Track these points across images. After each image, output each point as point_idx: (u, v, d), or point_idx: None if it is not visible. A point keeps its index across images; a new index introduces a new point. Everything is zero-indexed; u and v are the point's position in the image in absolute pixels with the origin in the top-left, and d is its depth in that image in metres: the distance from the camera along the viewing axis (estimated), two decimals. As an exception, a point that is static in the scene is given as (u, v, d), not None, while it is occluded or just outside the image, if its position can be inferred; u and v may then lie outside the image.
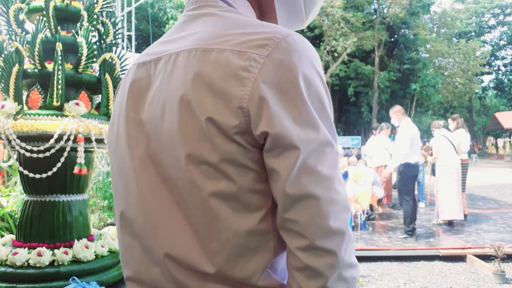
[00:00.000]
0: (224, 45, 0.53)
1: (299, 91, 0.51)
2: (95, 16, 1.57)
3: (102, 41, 1.59)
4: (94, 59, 1.52)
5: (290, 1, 0.65)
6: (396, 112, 4.88)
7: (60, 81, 1.40)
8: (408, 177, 4.55)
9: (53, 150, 1.38)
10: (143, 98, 0.60)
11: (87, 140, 1.43)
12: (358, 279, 0.57)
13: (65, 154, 1.39)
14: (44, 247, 1.39)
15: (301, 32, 17.03)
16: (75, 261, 1.41)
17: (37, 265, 1.35)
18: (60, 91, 1.40)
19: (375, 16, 18.43)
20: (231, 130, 0.51)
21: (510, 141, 22.24)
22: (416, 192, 5.66)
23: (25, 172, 1.40)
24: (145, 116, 0.59)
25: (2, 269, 1.35)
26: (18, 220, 1.52)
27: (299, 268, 0.52)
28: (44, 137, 1.38)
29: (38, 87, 1.43)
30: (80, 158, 1.39)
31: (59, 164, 1.40)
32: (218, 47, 0.53)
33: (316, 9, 0.69)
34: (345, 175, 4.92)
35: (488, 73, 29.87)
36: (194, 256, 0.54)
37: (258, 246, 0.54)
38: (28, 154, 1.37)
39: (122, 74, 1.60)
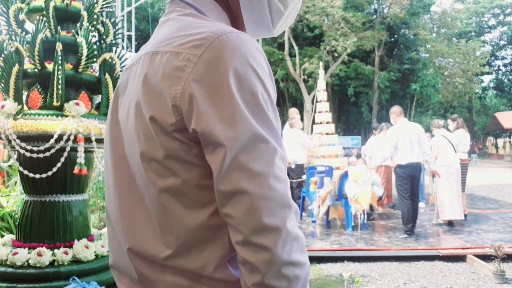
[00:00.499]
0: (167, 47, 0.56)
1: (228, 88, 0.52)
2: (95, 16, 1.57)
3: (102, 41, 1.59)
4: (94, 59, 1.52)
5: (255, 10, 0.67)
6: (391, 113, 4.90)
7: (60, 81, 1.40)
8: (401, 177, 4.57)
9: (53, 150, 1.38)
10: (121, 100, 0.65)
11: (87, 140, 1.43)
12: (308, 279, 0.58)
13: (65, 154, 1.39)
14: (44, 247, 1.39)
15: (301, 32, 17.02)
16: (75, 261, 1.41)
17: (37, 265, 1.35)
18: (60, 91, 1.40)
19: (375, 16, 18.42)
20: (169, 127, 0.53)
21: (510, 141, 22.24)
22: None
23: (25, 172, 1.40)
24: (121, 116, 0.64)
25: (2, 269, 1.35)
26: (18, 220, 1.52)
27: (240, 262, 0.53)
28: (44, 137, 1.38)
29: (38, 87, 1.43)
30: (80, 158, 1.39)
31: (59, 164, 1.40)
32: (163, 50, 0.56)
33: (286, 20, 0.71)
34: (345, 175, 4.92)
35: (488, 73, 29.87)
36: (152, 248, 0.57)
37: (211, 239, 0.56)
38: (28, 154, 1.37)
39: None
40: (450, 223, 5.12)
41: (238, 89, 0.52)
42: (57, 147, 1.37)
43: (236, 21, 0.69)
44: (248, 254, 0.51)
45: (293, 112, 6.34)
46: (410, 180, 4.60)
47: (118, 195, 0.64)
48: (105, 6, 1.60)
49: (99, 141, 1.47)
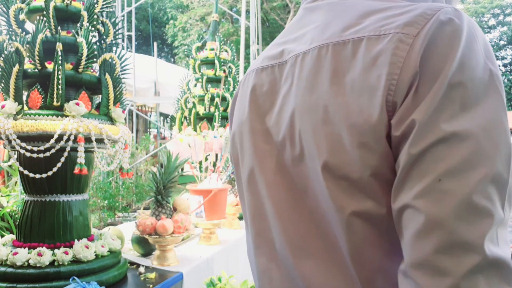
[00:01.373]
0: (358, 34, 0.45)
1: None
2: (95, 16, 1.57)
3: (102, 41, 1.59)
4: (94, 59, 1.52)
5: None
6: None
7: (60, 81, 1.40)
8: None
9: (53, 150, 1.38)
10: (270, 106, 0.55)
11: (87, 140, 1.43)
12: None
13: (65, 154, 1.39)
14: (44, 247, 1.39)
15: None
16: (75, 261, 1.41)
17: (37, 265, 1.35)
18: (60, 91, 1.40)
19: (374, 16, 18.45)
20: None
21: (508, 141, 22.27)
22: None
23: (25, 172, 1.40)
24: (272, 126, 0.54)
25: (2, 269, 1.35)
26: (18, 220, 1.52)
27: None
28: (44, 137, 1.38)
29: (38, 87, 1.43)
30: (80, 158, 1.39)
31: (59, 164, 1.40)
32: (351, 37, 0.46)
33: None
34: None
35: (487, 73, 29.83)
36: None
37: None
38: (28, 154, 1.37)
39: (122, 74, 1.60)
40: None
41: None
42: (57, 147, 1.37)
43: None
44: None
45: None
46: None
47: (280, 220, 0.53)
48: (105, 6, 1.60)
49: (99, 141, 1.47)
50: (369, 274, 0.46)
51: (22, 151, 1.36)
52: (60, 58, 1.39)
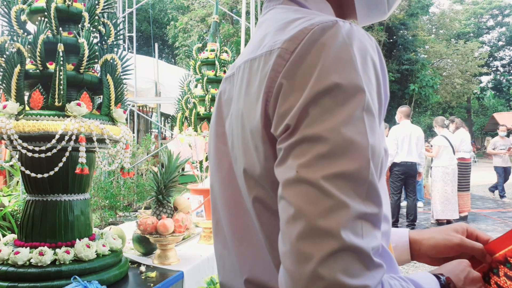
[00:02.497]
0: (264, 50, 0.52)
1: None
2: (96, 17, 1.58)
3: (104, 42, 1.60)
4: (96, 60, 1.53)
5: None
6: (400, 112, 5.01)
7: (61, 82, 1.41)
8: (395, 175, 4.69)
9: (54, 150, 1.39)
10: (227, 112, 0.61)
11: (89, 140, 1.44)
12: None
13: (67, 154, 1.40)
14: (45, 246, 1.40)
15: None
16: (77, 260, 1.41)
17: (39, 264, 1.35)
18: (61, 92, 1.41)
19: (374, 16, 18.43)
20: None
21: (508, 142, 22.22)
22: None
23: (27, 172, 1.40)
24: (227, 129, 0.61)
25: (4, 268, 1.35)
26: (19, 220, 1.53)
27: None
28: (45, 137, 1.39)
29: (40, 87, 1.44)
30: (82, 158, 1.40)
31: (60, 164, 1.40)
32: (258, 54, 0.53)
33: None
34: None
35: (487, 74, 29.92)
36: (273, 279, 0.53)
37: None
38: (29, 154, 1.38)
39: (123, 75, 1.61)
40: (448, 222, 5.14)
41: None
42: (59, 147, 1.37)
43: (342, 9, 0.63)
44: None
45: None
46: (403, 179, 4.66)
47: (227, 213, 0.61)
48: (106, 7, 1.61)
49: (101, 141, 1.48)
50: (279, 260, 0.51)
51: (24, 151, 1.37)
52: (61, 58, 1.40)
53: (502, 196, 7.89)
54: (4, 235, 2.44)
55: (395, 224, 4.75)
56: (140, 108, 9.38)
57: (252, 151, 0.52)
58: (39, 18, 1.51)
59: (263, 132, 0.49)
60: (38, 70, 1.45)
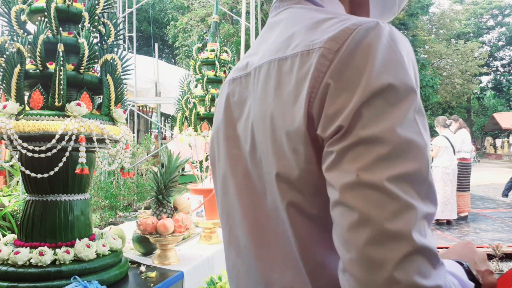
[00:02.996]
0: (295, 50, 0.51)
1: None
2: (96, 17, 1.58)
3: (104, 42, 1.60)
4: (96, 60, 1.53)
5: None
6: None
7: (61, 82, 1.41)
8: None
9: (54, 150, 1.39)
10: (239, 114, 0.60)
11: (89, 140, 1.44)
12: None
13: (67, 154, 1.40)
14: (45, 246, 1.40)
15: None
16: (77, 260, 1.42)
17: (39, 264, 1.35)
18: (61, 92, 1.41)
19: (374, 16, 18.46)
20: None
21: (508, 141, 22.29)
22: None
23: (27, 172, 1.40)
24: (241, 132, 0.59)
25: (4, 268, 1.35)
26: (19, 220, 1.53)
27: None
28: (45, 137, 1.39)
29: (40, 87, 1.44)
30: (82, 158, 1.40)
31: (60, 164, 1.40)
32: (290, 54, 0.51)
33: None
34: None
35: (487, 74, 29.94)
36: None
37: None
38: (29, 154, 1.38)
39: (123, 75, 1.61)
40: (448, 222, 5.14)
41: None
42: (59, 147, 1.37)
43: (354, 10, 0.63)
44: None
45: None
46: None
47: (246, 220, 0.58)
48: (106, 7, 1.61)
49: (101, 141, 1.48)
50: (315, 269, 0.50)
51: (24, 151, 1.37)
52: (61, 58, 1.40)
53: (505, 195, 7.86)
54: (4, 235, 2.44)
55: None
56: (140, 108, 9.38)
57: (288, 154, 0.50)
58: (39, 18, 1.51)
59: (305, 134, 0.47)
60: (38, 70, 1.45)
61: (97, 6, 1.58)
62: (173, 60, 22.90)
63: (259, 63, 0.57)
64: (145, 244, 1.83)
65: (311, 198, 0.49)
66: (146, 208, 3.22)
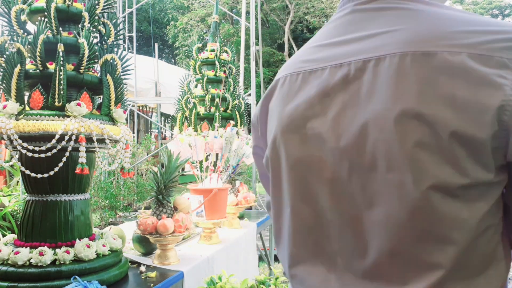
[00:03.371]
0: (454, 48, 0.45)
1: None
2: (96, 17, 1.58)
3: (104, 42, 1.60)
4: (96, 60, 1.53)
5: None
6: None
7: (61, 82, 1.41)
8: None
9: (54, 150, 1.39)
10: (320, 110, 0.52)
11: (89, 140, 1.44)
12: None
13: (67, 154, 1.40)
14: (45, 246, 1.40)
15: (301, 33, 17.06)
16: (77, 260, 1.42)
17: (39, 264, 1.35)
18: (61, 92, 1.41)
19: (374, 16, 18.46)
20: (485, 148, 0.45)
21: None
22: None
23: (27, 172, 1.41)
24: (328, 130, 0.51)
25: (4, 268, 1.35)
26: (19, 220, 1.53)
27: None
28: (46, 137, 1.39)
29: (40, 87, 1.44)
30: (82, 158, 1.40)
31: (60, 164, 1.40)
32: (445, 50, 0.45)
33: None
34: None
35: (487, 74, 29.84)
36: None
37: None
38: (29, 154, 1.38)
39: (123, 75, 1.61)
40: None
41: None
42: (59, 147, 1.37)
43: None
44: None
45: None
46: None
47: (346, 229, 0.51)
48: (106, 7, 1.61)
49: (101, 141, 1.48)
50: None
51: (24, 151, 1.37)
52: (61, 58, 1.40)
53: None
54: (4, 235, 2.44)
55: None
56: (140, 108, 9.39)
57: (448, 163, 0.44)
58: (39, 18, 1.51)
59: (491, 143, 0.44)
60: (38, 70, 1.45)
61: (97, 6, 1.58)
62: (173, 60, 22.91)
63: (374, 55, 0.49)
64: (145, 244, 1.83)
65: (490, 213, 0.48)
66: (146, 208, 3.23)
